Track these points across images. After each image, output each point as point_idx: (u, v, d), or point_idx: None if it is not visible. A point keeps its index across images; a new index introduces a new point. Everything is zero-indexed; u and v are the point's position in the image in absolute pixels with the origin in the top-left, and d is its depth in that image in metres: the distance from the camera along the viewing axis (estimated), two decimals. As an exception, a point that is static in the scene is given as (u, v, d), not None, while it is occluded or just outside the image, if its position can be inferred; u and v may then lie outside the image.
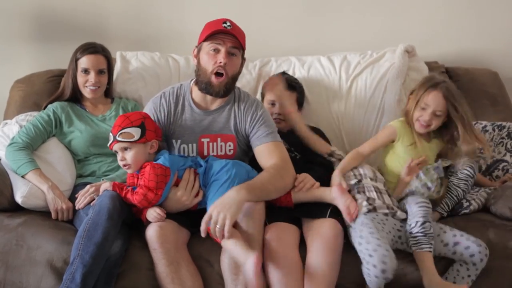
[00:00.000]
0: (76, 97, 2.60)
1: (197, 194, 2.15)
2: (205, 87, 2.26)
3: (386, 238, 2.02)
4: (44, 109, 2.56)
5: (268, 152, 2.25)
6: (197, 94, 2.33)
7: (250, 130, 2.30)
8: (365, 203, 2.17)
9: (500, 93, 2.84)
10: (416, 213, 2.13)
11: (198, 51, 2.28)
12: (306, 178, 2.23)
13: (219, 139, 2.31)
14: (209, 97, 2.31)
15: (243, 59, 2.33)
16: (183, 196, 2.12)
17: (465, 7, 3.07)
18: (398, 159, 2.35)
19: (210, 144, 2.30)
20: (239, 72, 2.32)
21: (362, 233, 2.02)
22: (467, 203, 2.34)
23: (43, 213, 2.28)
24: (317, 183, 2.24)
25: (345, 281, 2.08)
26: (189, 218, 2.16)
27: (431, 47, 3.03)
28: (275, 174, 2.16)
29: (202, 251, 2.12)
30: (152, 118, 2.27)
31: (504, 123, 2.63)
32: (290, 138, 2.49)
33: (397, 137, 2.35)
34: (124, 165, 2.16)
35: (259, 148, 2.28)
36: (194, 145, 2.30)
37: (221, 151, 2.31)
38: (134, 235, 2.14)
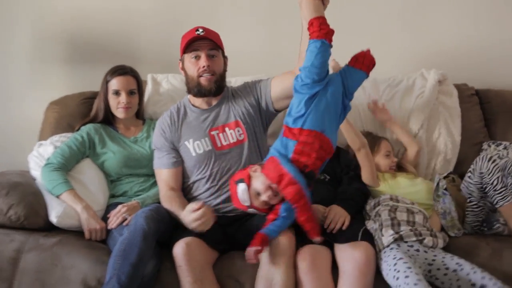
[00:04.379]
0: (108, 119, 2.64)
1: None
2: (197, 90, 2.36)
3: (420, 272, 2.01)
4: (78, 130, 2.60)
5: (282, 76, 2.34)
6: (195, 100, 2.44)
7: (257, 94, 2.40)
8: (391, 231, 2.16)
9: (532, 116, 2.83)
10: (492, 170, 2.20)
11: (183, 63, 2.40)
12: (335, 215, 2.23)
13: (226, 128, 2.38)
14: (205, 99, 2.40)
15: (225, 58, 2.44)
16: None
17: (494, 31, 3.07)
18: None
19: (221, 135, 2.37)
20: (225, 70, 2.43)
21: (397, 267, 1.99)
22: (501, 226, 2.33)
23: (77, 233, 2.30)
24: (348, 219, 2.23)
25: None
26: (223, 237, 2.21)
27: (462, 69, 3.03)
28: None
29: (232, 271, 2.13)
30: (160, 135, 2.40)
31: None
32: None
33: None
34: None
35: (274, 82, 2.37)
36: (207, 139, 2.37)
37: (232, 138, 2.37)
38: (165, 255, 2.14)
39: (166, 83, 2.91)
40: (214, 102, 2.43)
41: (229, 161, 2.34)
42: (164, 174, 2.39)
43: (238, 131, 2.37)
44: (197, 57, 2.34)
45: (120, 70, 2.60)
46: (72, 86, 3.06)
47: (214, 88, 2.36)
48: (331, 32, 2.00)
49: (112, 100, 2.59)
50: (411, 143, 2.65)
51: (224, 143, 2.36)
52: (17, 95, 3.24)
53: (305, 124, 2.01)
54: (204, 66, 2.32)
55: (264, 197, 2.01)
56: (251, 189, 2.03)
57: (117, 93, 2.58)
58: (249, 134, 2.37)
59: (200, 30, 2.34)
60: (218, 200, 2.32)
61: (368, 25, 3.11)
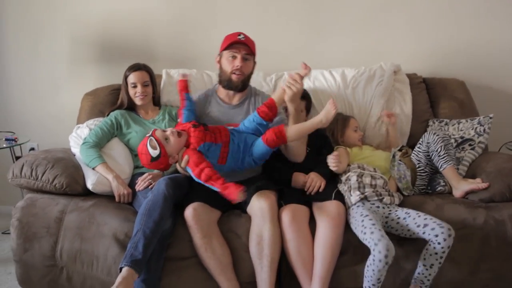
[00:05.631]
0: (131, 106, 2.61)
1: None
2: (227, 84, 2.31)
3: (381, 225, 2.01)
4: (108, 115, 2.58)
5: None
6: (221, 91, 2.38)
7: None
8: (357, 192, 2.15)
9: (467, 98, 2.80)
10: (437, 140, 2.23)
11: (220, 58, 2.33)
12: (313, 181, 2.22)
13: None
14: (231, 92, 2.35)
15: (255, 62, 2.37)
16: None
17: (436, 32, 3.02)
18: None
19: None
20: (252, 72, 2.37)
21: (364, 224, 1.98)
22: (443, 185, 2.32)
23: (109, 197, 2.31)
24: (323, 184, 2.22)
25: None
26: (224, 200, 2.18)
27: (412, 62, 2.99)
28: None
29: (232, 226, 2.13)
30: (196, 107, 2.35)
31: (476, 117, 2.60)
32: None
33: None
34: None
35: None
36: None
37: None
38: (179, 214, 2.13)
39: (177, 77, 2.83)
40: (236, 100, 2.37)
41: None
42: None
43: None
44: (234, 57, 2.27)
45: (135, 67, 2.56)
46: (102, 80, 3.03)
47: (240, 86, 2.31)
48: (273, 116, 2.14)
49: (131, 91, 2.56)
50: (396, 142, 2.61)
51: None
52: (59, 88, 3.23)
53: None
54: (238, 66, 2.27)
55: (168, 132, 2.09)
56: (161, 139, 2.08)
57: (134, 85, 2.54)
58: None
59: (242, 36, 2.27)
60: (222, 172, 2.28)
61: (342, 30, 3.07)
